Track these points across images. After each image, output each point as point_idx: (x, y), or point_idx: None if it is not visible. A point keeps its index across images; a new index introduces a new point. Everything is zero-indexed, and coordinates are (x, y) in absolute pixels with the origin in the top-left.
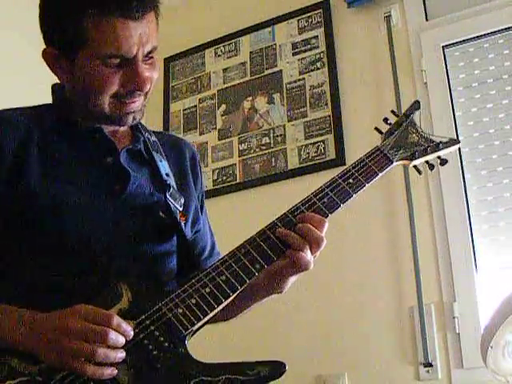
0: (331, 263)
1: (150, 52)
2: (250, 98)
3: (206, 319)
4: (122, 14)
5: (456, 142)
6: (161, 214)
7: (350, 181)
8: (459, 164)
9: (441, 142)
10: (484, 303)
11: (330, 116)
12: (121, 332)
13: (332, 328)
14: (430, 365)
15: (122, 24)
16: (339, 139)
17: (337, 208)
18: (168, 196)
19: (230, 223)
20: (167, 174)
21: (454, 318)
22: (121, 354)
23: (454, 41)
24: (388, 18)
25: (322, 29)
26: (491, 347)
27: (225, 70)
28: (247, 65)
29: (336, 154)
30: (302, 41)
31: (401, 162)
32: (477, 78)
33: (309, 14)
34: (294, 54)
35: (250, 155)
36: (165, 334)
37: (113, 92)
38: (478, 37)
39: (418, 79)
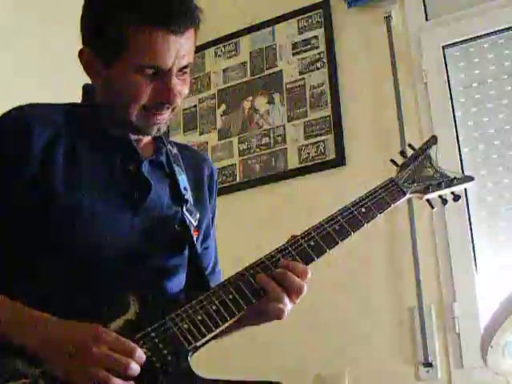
0: (331, 263)
1: (184, 67)
2: (250, 98)
3: (210, 336)
4: (164, 28)
5: (470, 179)
6: (176, 227)
7: (363, 210)
8: (459, 164)
9: (455, 178)
10: (484, 303)
11: (329, 116)
12: (139, 363)
13: (332, 328)
14: (430, 365)
15: (163, 36)
16: (339, 139)
17: (347, 236)
18: (184, 210)
19: (230, 223)
20: (185, 188)
21: (453, 318)
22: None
23: (454, 41)
24: (388, 18)
25: (322, 29)
26: (491, 347)
27: (225, 69)
28: (247, 65)
29: (336, 154)
30: (302, 41)
31: (414, 195)
32: (477, 78)
33: (309, 14)
34: (294, 54)
35: (250, 155)
36: (169, 347)
37: (143, 103)
38: (478, 37)
39: (418, 79)
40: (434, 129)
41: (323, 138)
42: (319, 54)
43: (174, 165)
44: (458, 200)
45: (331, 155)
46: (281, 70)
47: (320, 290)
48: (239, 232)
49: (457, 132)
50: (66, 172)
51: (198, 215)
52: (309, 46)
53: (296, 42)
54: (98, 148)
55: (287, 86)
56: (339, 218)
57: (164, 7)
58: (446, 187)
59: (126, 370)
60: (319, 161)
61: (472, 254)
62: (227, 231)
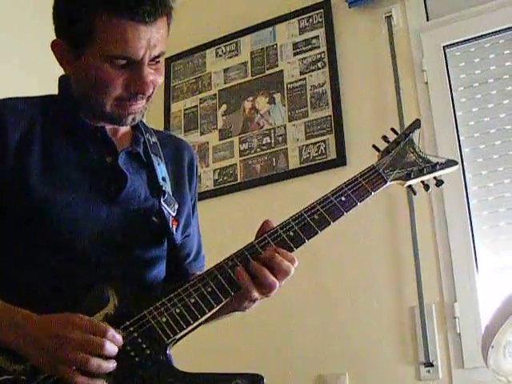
0: (332, 263)
1: (157, 56)
2: (251, 98)
3: (188, 329)
4: (133, 17)
5: (454, 163)
6: (153, 218)
7: (342, 198)
8: (460, 164)
9: (438, 163)
10: (485, 303)
11: (330, 116)
12: (115, 343)
13: (333, 328)
14: (431, 365)
15: (132, 27)
16: (340, 139)
17: (327, 225)
18: (162, 202)
19: (230, 223)
20: (163, 179)
21: (454, 318)
22: (113, 365)
23: (455, 41)
24: (389, 18)
25: (323, 29)
26: (492, 347)
27: (226, 70)
28: (248, 65)
29: (337, 153)
30: (303, 41)
31: (395, 182)
32: (478, 78)
33: (310, 14)
34: (294, 54)
35: (251, 155)
36: (147, 341)
37: (116, 94)
38: (478, 37)
39: (418, 79)
40: (434, 128)
41: (324, 138)
42: (320, 53)
43: (152, 155)
44: (440, 185)
45: (332, 155)
46: (282, 70)
47: (320, 290)
48: (240, 232)
49: (458, 132)
50: (41, 164)
51: (176, 205)
52: (310, 46)
53: (297, 42)
54: (73, 140)
55: (288, 86)
56: (318, 207)
57: None
58: (428, 173)
59: (102, 350)
60: (320, 161)
61: (473, 254)
62: (227, 231)
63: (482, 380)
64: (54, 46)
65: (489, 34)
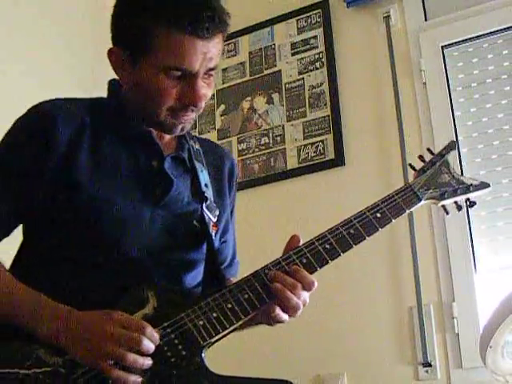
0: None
1: (210, 70)
2: (249, 98)
3: (224, 333)
4: (192, 32)
5: (486, 185)
6: (195, 222)
7: (378, 215)
8: (458, 164)
9: (471, 185)
10: (483, 303)
11: (329, 116)
12: (152, 340)
13: (331, 328)
14: (429, 365)
15: (191, 41)
16: (338, 139)
17: (361, 240)
18: (204, 207)
19: None
20: (206, 185)
21: (453, 318)
22: (148, 362)
23: (453, 41)
24: (387, 18)
25: (321, 29)
26: (490, 347)
27: (224, 69)
28: (246, 65)
29: (335, 154)
30: (301, 41)
31: (429, 201)
32: (476, 78)
33: (308, 14)
34: (293, 54)
35: (249, 155)
36: (183, 342)
37: (169, 105)
38: (477, 37)
39: (417, 79)
40: (433, 129)
41: (322, 138)
42: (318, 53)
43: (195, 161)
44: (472, 206)
45: (330, 155)
46: (280, 70)
47: (318, 290)
48: (239, 231)
49: (456, 132)
50: (90, 163)
51: (217, 211)
52: (308, 46)
53: (295, 42)
54: (121, 141)
55: (286, 85)
56: (354, 222)
57: (193, 12)
58: (461, 194)
59: (139, 345)
60: (318, 161)
61: (471, 254)
62: None
63: (480, 380)
64: (111, 53)
65: (487, 34)
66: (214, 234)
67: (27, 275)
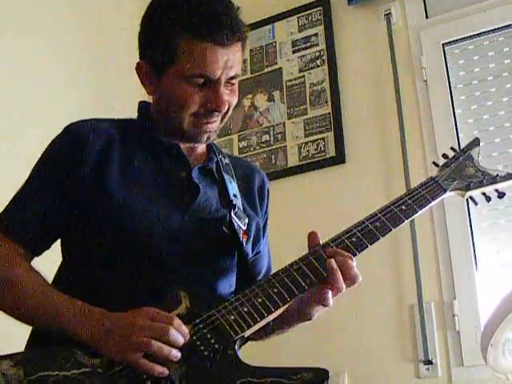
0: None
1: (232, 78)
2: (250, 96)
3: (256, 327)
4: (212, 40)
5: None
6: (224, 228)
7: (403, 207)
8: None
9: (497, 176)
10: (484, 301)
11: (329, 113)
12: (180, 332)
13: (332, 326)
14: (430, 362)
15: (212, 48)
16: (339, 137)
17: (388, 231)
18: (233, 214)
19: None
20: (235, 195)
21: (453, 315)
22: (176, 353)
23: (454, 38)
24: (388, 16)
25: (322, 26)
26: (491, 345)
27: None
28: (247, 62)
29: (336, 151)
30: (302, 38)
31: (455, 192)
32: (477, 76)
33: (309, 12)
34: (293, 52)
35: (250, 153)
36: (216, 337)
37: (193, 110)
38: (477, 34)
39: (417, 77)
40: (434, 126)
41: (323, 135)
42: (319, 51)
43: (224, 173)
44: (502, 197)
45: (331, 153)
46: (281, 68)
47: None
48: None
49: (457, 129)
50: (120, 174)
51: (246, 219)
52: (309, 44)
53: (296, 40)
54: (149, 154)
55: (287, 83)
56: (380, 215)
57: (213, 22)
58: (487, 184)
59: (166, 335)
60: (319, 158)
61: (472, 252)
62: None
63: (481, 378)
64: (139, 68)
65: (488, 31)
66: (244, 242)
67: (66, 284)
